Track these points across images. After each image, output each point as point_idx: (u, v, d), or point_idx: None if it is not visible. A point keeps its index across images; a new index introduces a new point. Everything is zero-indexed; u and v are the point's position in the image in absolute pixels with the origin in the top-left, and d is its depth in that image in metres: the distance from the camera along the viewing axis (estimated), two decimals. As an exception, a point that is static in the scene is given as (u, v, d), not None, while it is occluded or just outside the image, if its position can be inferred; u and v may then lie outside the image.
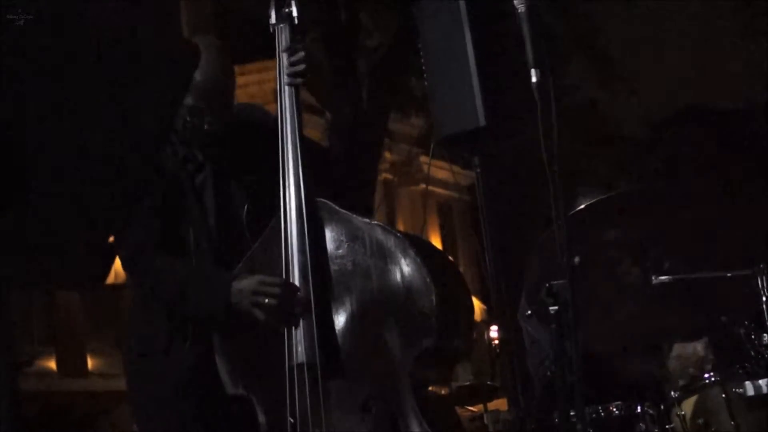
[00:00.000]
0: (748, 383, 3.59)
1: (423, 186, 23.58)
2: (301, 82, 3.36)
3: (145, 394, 3.47)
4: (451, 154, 3.46)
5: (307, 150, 3.35)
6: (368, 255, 3.15)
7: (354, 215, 3.22)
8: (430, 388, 3.41)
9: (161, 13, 1.85)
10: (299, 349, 3.15)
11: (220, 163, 3.44)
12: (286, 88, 3.35)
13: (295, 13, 3.39)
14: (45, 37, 1.75)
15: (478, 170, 3.31)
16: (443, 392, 7.30)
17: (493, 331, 10.68)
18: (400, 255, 3.11)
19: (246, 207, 3.40)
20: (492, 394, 7.79)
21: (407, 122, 19.97)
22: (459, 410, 7.31)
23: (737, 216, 4.01)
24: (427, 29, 3.33)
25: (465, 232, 25.56)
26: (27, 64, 1.76)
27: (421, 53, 3.34)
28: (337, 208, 3.24)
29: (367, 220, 3.21)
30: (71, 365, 17.79)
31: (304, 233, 3.20)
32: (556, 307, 2.94)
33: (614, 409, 3.86)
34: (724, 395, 3.64)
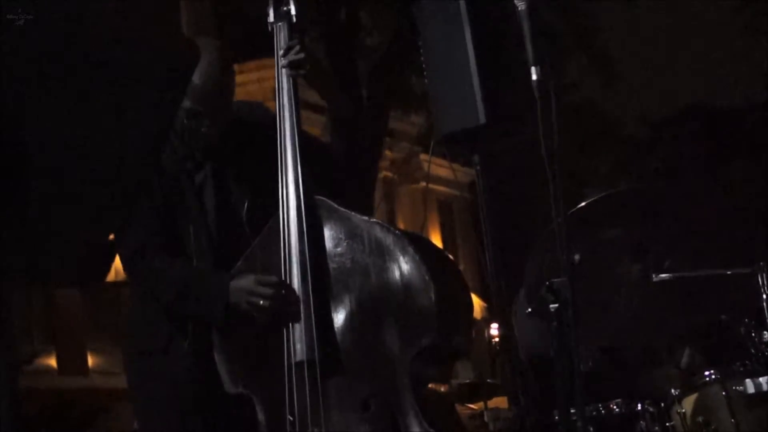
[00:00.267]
0: (748, 381, 3.59)
1: (423, 184, 23.58)
2: (302, 73, 3.36)
3: (146, 392, 3.47)
4: (451, 152, 3.45)
5: (308, 146, 3.35)
6: (367, 253, 3.15)
7: (353, 213, 3.22)
8: (429, 386, 3.40)
9: (161, 13, 1.85)
10: (298, 347, 3.15)
11: (220, 162, 3.44)
12: (285, 84, 3.35)
13: (293, 12, 3.39)
14: (45, 38, 1.75)
15: (478, 168, 3.31)
16: (443, 390, 7.29)
17: (494, 329, 10.68)
18: (399, 253, 3.11)
19: (246, 205, 3.40)
20: (492, 392, 7.78)
21: (407, 120, 19.97)
22: (459, 408, 7.30)
23: (737, 215, 4.02)
24: (427, 28, 3.32)
25: (465, 230, 25.55)
26: (27, 64, 1.77)
27: (422, 52, 3.34)
28: (336, 206, 3.24)
29: (366, 218, 3.21)
30: (71, 363, 17.78)
31: (303, 231, 3.20)
32: (556, 305, 2.94)
33: (614, 407, 3.86)
34: (724, 393, 3.64)
